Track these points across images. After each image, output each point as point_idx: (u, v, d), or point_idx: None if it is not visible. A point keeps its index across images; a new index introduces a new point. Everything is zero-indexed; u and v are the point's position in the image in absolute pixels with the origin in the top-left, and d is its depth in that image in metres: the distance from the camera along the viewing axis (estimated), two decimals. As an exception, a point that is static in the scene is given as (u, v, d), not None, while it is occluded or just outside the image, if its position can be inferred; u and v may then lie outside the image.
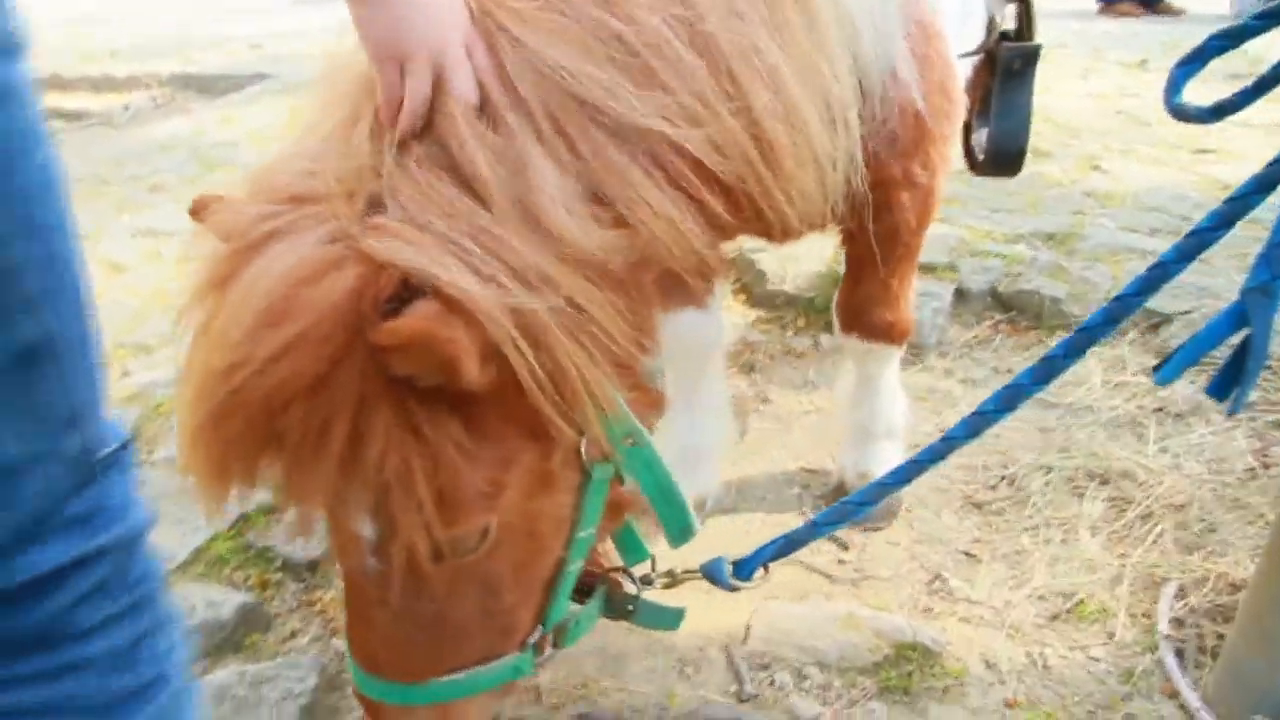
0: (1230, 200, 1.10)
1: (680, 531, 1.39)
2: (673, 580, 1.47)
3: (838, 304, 2.10)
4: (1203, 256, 1.16)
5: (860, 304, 2.05)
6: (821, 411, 2.70)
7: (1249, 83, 1.14)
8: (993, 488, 2.41)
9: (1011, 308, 3.19)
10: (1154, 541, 2.15)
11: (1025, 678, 1.86)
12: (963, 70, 1.84)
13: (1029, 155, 2.14)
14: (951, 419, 2.66)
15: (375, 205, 1.03)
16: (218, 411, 0.98)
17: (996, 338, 3.09)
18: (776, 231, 1.44)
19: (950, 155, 1.81)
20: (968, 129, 2.09)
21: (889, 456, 2.24)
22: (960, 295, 3.23)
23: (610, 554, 1.48)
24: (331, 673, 1.82)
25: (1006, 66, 1.96)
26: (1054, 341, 3.00)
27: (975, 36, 1.90)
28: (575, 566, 1.30)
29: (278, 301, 0.96)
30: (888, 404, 2.27)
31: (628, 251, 1.13)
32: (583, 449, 1.19)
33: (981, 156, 2.08)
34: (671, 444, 2.26)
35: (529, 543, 1.22)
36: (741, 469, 2.45)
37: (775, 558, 1.42)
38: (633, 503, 1.37)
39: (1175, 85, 1.21)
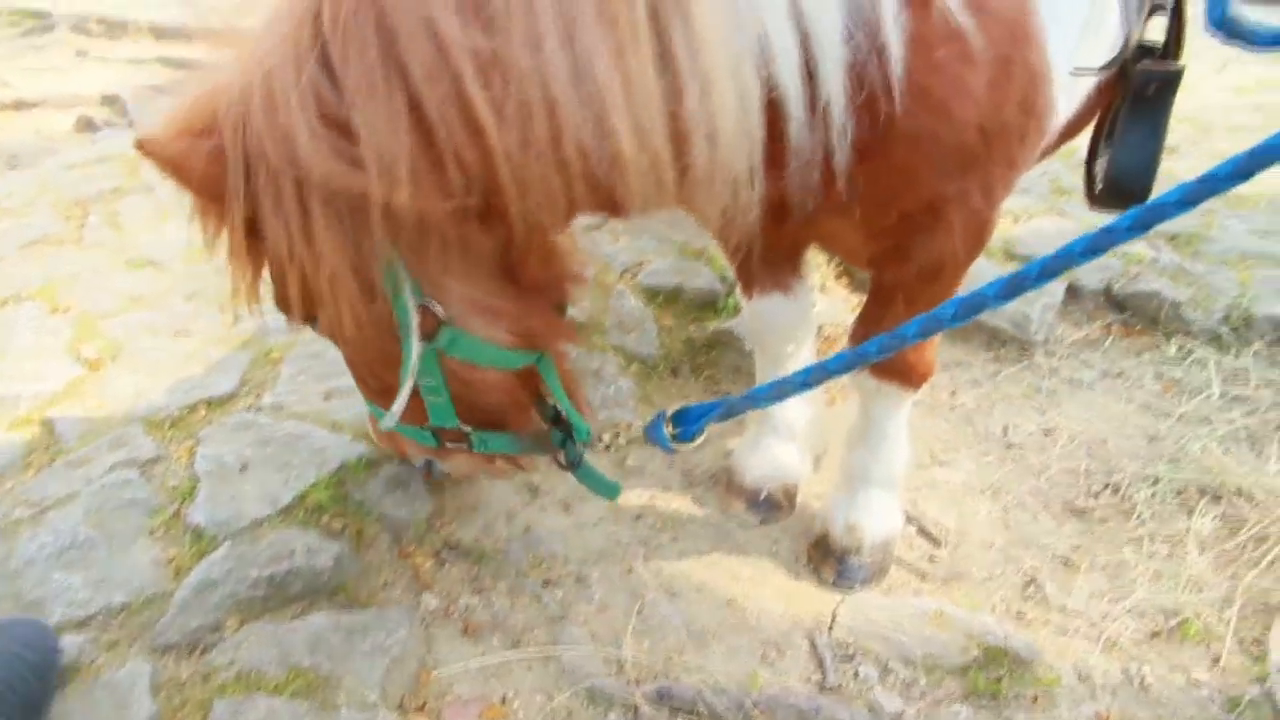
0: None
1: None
2: (616, 437, 1.62)
3: (854, 334, 1.85)
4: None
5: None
6: (918, 403, 2.64)
7: None
8: (1095, 495, 2.32)
9: (1126, 309, 3.06)
10: (1269, 565, 2.04)
11: (1120, 694, 1.80)
12: (1081, 89, 1.65)
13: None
14: (1056, 420, 2.58)
15: None
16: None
17: (1108, 339, 2.97)
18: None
19: (1015, 181, 1.58)
20: (1091, 154, 1.86)
21: (883, 507, 2.05)
22: (1072, 292, 3.11)
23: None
24: (421, 628, 1.87)
25: (1139, 90, 1.70)
26: (1170, 348, 2.88)
27: (1104, 50, 1.64)
28: (439, 421, 1.53)
29: None
30: (890, 451, 2.03)
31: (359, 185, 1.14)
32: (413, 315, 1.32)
33: (1100, 187, 1.81)
34: (761, 422, 2.25)
35: (363, 352, 1.47)
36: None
37: (715, 420, 1.49)
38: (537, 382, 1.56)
39: None
